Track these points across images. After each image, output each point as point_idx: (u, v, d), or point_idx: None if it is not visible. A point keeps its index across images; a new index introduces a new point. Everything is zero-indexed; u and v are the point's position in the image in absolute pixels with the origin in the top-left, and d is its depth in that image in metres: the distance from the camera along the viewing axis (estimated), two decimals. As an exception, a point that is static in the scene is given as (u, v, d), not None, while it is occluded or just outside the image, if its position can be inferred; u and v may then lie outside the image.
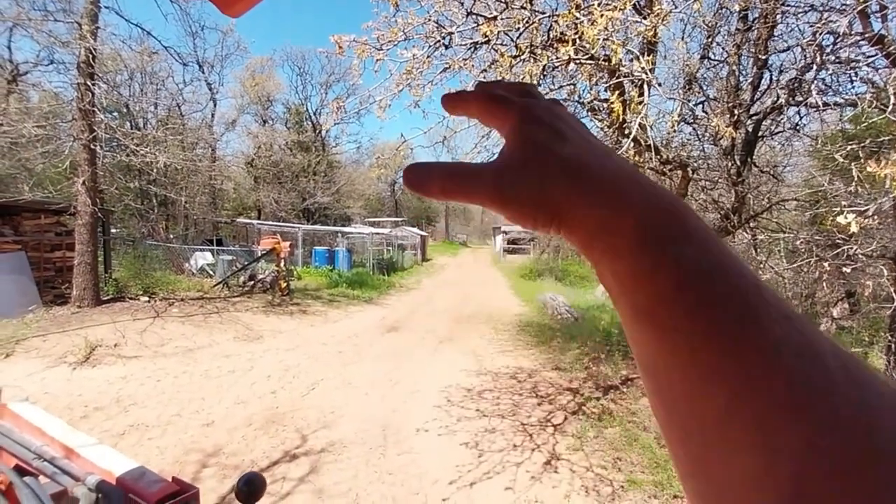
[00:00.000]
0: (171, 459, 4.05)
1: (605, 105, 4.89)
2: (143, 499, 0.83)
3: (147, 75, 18.06)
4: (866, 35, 3.81)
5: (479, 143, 5.11)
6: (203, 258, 14.66)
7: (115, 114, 17.26)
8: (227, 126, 30.23)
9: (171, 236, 17.48)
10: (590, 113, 5.55)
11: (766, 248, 6.77)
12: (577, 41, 3.55)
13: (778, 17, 4.51)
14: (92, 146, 9.15)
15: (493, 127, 0.32)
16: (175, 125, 16.57)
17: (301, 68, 41.08)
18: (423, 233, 36.91)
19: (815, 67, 4.09)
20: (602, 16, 3.23)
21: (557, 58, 3.80)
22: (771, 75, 5.39)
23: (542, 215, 0.26)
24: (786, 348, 0.19)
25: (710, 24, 5.42)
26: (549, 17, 3.82)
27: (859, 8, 3.55)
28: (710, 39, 5.65)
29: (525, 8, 3.78)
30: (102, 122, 9.38)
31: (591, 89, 4.85)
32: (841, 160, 3.98)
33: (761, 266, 5.81)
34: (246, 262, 13.84)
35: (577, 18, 3.42)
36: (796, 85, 4.66)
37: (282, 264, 12.48)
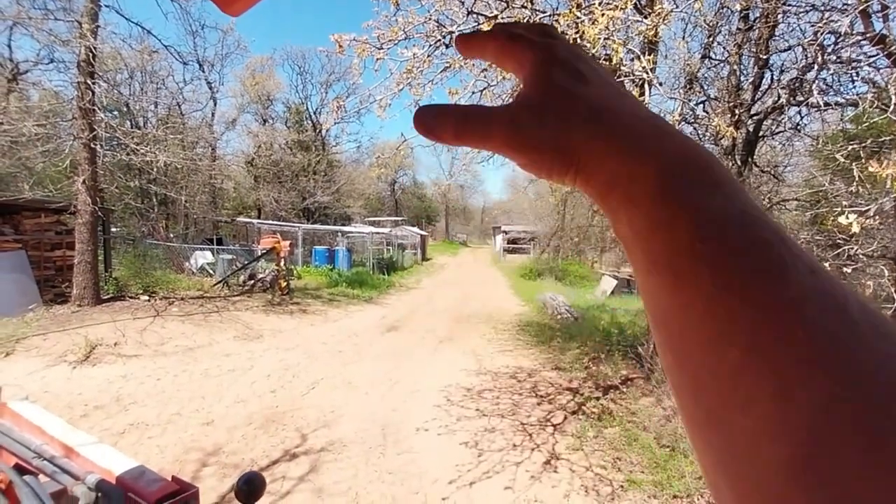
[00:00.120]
0: (170, 458, 4.05)
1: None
2: (142, 498, 0.83)
3: (147, 74, 18.05)
4: (867, 35, 3.81)
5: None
6: (203, 257, 14.66)
7: (116, 113, 17.26)
8: (227, 125, 30.23)
9: (172, 235, 17.47)
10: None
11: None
12: (578, 40, 3.55)
13: (779, 16, 4.51)
14: (92, 145, 9.15)
15: (510, 69, 0.30)
16: (175, 124, 16.57)
17: (301, 67, 41.04)
18: (423, 232, 36.93)
19: (816, 67, 4.09)
20: (603, 15, 3.22)
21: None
22: (772, 75, 5.39)
23: (560, 162, 0.25)
24: (810, 301, 0.19)
25: (711, 24, 5.41)
26: (550, 16, 3.82)
27: (860, 8, 3.54)
28: (711, 39, 5.65)
29: (526, 7, 3.78)
30: (103, 121, 9.37)
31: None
32: (842, 160, 3.97)
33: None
34: (246, 262, 13.84)
35: (578, 18, 3.41)
36: (797, 85, 4.66)
37: (282, 263, 12.48)
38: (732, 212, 0.21)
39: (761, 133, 5.87)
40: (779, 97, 4.88)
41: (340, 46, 3.71)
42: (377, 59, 3.76)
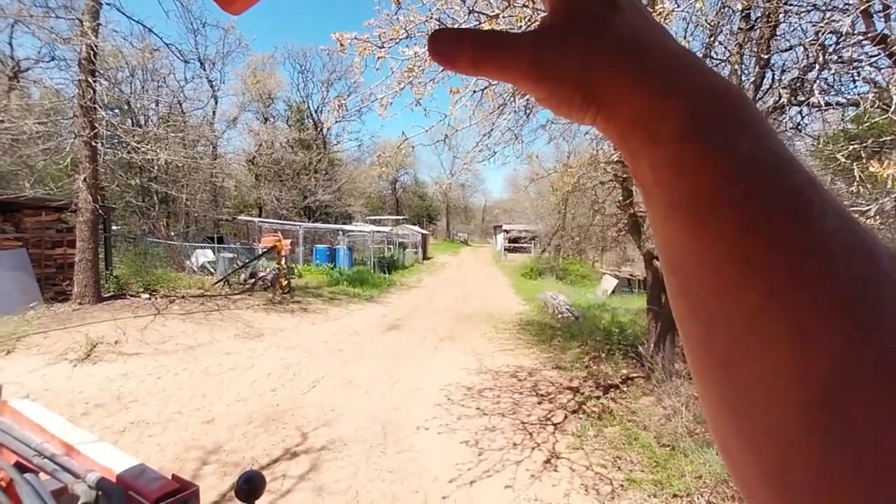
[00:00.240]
0: (171, 457, 4.05)
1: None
2: (143, 496, 0.83)
3: (148, 72, 18.01)
4: (869, 34, 3.80)
5: (480, 141, 5.10)
6: (204, 256, 14.67)
7: (117, 111, 17.26)
8: (228, 123, 30.20)
9: (172, 234, 17.49)
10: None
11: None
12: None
13: (780, 16, 4.50)
14: (93, 143, 9.15)
15: None
16: (176, 122, 16.55)
17: (302, 66, 41.03)
18: (424, 231, 36.92)
19: (817, 67, 4.08)
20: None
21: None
22: (773, 75, 5.38)
23: (582, 97, 0.24)
24: (837, 247, 0.19)
25: (712, 24, 5.40)
26: (551, 15, 3.81)
27: (862, 7, 3.53)
28: (712, 39, 5.63)
29: (527, 6, 3.77)
30: (103, 119, 9.37)
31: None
32: (843, 160, 3.96)
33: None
34: (247, 260, 13.85)
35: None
36: (798, 84, 4.65)
37: (283, 262, 12.50)
38: (763, 153, 0.21)
39: (762, 133, 5.84)
40: (780, 97, 4.87)
41: (342, 45, 3.70)
42: (378, 58, 3.76)
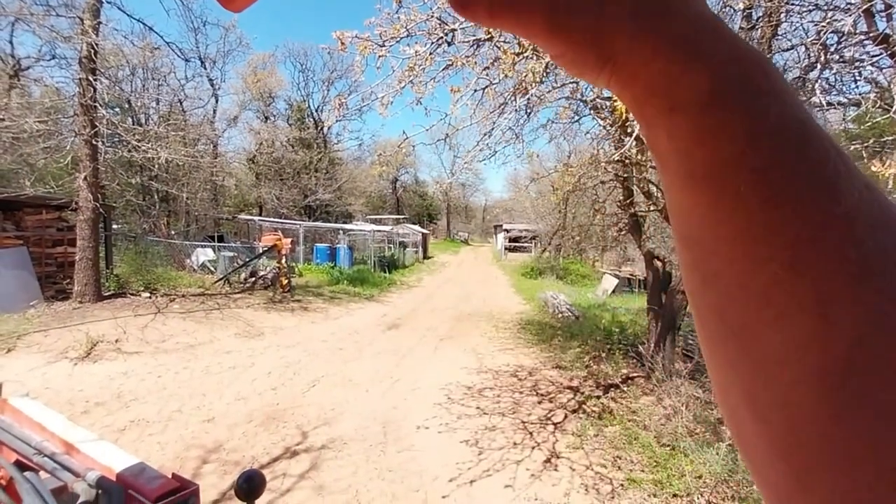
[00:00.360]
0: (171, 455, 4.06)
1: (608, 103, 4.87)
2: (143, 495, 0.83)
3: (149, 71, 18.02)
4: (871, 34, 3.79)
5: (481, 140, 5.09)
6: (204, 254, 14.68)
7: (117, 109, 17.25)
8: (228, 122, 30.17)
9: (173, 232, 17.50)
10: (592, 111, 5.54)
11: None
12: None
13: (782, 15, 4.49)
14: (94, 142, 9.15)
15: None
16: (177, 121, 16.56)
17: (303, 65, 41.15)
18: (425, 230, 36.91)
19: (818, 67, 4.07)
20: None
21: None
22: (774, 74, 5.37)
23: (595, 56, 0.23)
24: (863, 217, 0.18)
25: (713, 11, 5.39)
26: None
27: (864, 7, 3.52)
28: (713, 38, 5.62)
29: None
30: (104, 118, 9.37)
31: (593, 87, 4.83)
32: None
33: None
34: (247, 259, 13.85)
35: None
36: (800, 84, 4.64)
37: (283, 261, 12.49)
38: (789, 122, 0.20)
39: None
40: (781, 96, 4.86)
41: (343, 44, 3.70)
42: (379, 57, 3.75)
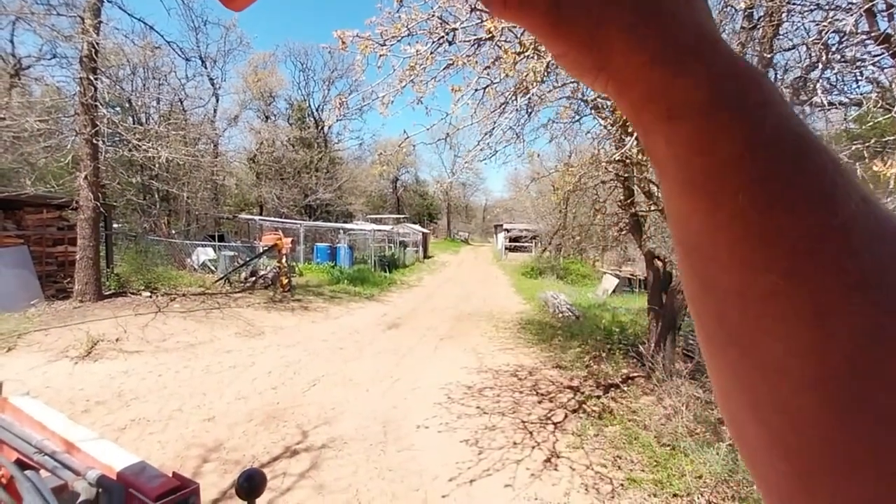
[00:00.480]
0: (171, 454, 4.06)
1: (609, 103, 4.87)
2: (143, 494, 0.83)
3: (149, 70, 18.03)
4: (872, 34, 3.79)
5: (481, 139, 5.09)
6: (205, 254, 14.68)
7: (118, 109, 17.25)
8: (229, 122, 30.20)
9: (173, 232, 17.49)
10: (593, 111, 5.53)
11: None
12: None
13: (783, 15, 4.48)
14: (94, 141, 9.15)
15: None
16: (177, 120, 16.54)
17: (304, 64, 41.13)
18: (425, 230, 36.91)
19: (820, 66, 4.06)
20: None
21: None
22: (776, 74, 5.36)
23: (592, 60, 0.23)
24: (860, 229, 0.18)
25: (715, 22, 5.39)
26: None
27: (866, 7, 3.52)
28: (714, 37, 5.62)
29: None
30: (105, 117, 9.37)
31: (594, 87, 4.82)
32: (845, 160, 3.96)
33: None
34: (248, 258, 13.85)
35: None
36: (801, 84, 4.64)
37: (283, 260, 12.49)
38: (785, 132, 0.20)
39: (765, 132, 5.84)
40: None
41: (343, 43, 3.69)
42: (380, 56, 3.75)
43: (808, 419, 0.18)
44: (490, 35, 3.78)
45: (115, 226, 12.81)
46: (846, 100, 4.72)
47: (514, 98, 4.77)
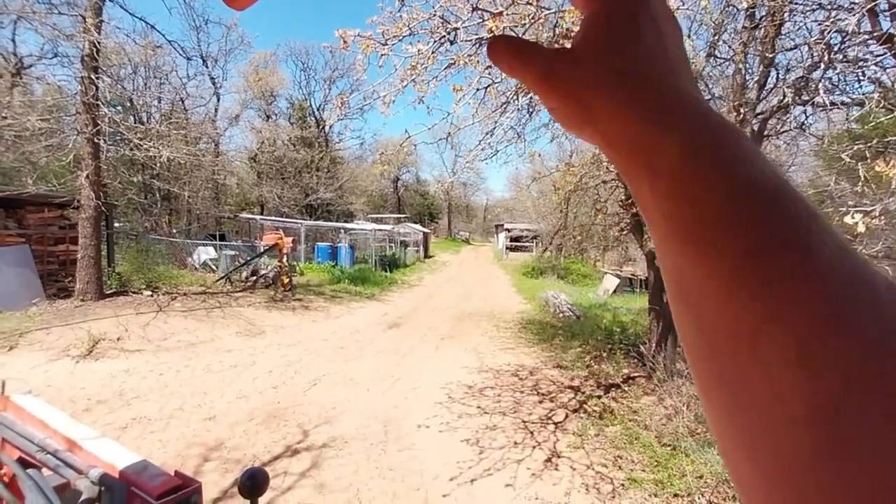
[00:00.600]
0: (173, 453, 4.06)
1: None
2: (145, 492, 0.83)
3: (151, 69, 18.05)
4: (875, 34, 3.78)
5: (482, 139, 5.09)
6: (206, 253, 14.69)
7: (119, 108, 17.26)
8: (230, 121, 30.25)
9: (174, 231, 17.50)
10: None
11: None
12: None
13: (785, 15, 4.48)
14: (95, 140, 9.16)
15: (580, 6, 0.29)
16: (178, 120, 16.58)
17: (305, 63, 41.12)
18: (426, 229, 36.91)
19: (822, 66, 4.06)
20: (608, 12, 3.20)
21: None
22: (777, 74, 5.35)
23: (581, 117, 0.26)
24: (836, 275, 0.19)
25: (716, 22, 5.38)
26: (554, 13, 3.80)
27: (868, 6, 3.51)
28: (716, 37, 5.61)
29: (531, 4, 3.76)
30: (106, 116, 9.38)
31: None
32: (847, 160, 3.95)
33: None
34: (248, 258, 13.86)
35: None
36: (803, 84, 4.63)
37: (284, 260, 12.50)
38: (760, 183, 0.21)
39: (766, 132, 5.83)
40: (784, 96, 4.85)
41: (345, 42, 3.69)
42: (381, 56, 3.75)
43: (801, 464, 0.18)
44: (492, 35, 3.78)
45: (116, 225, 12.83)
46: (848, 100, 4.71)
47: (515, 97, 4.77)
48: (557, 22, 3.84)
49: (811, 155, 7.62)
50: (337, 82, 38.88)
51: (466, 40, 3.93)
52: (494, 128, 4.95)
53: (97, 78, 9.14)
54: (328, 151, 35.33)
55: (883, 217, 3.45)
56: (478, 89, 4.38)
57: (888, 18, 3.82)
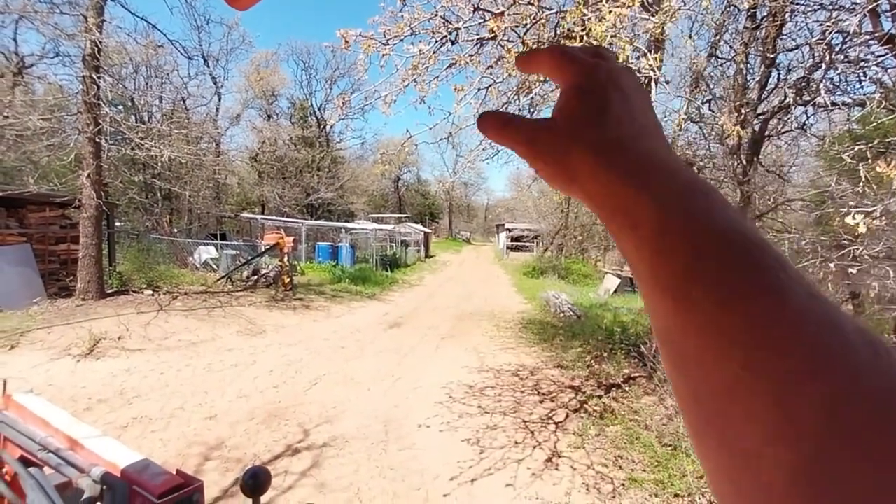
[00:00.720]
0: (174, 452, 4.07)
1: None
2: (147, 491, 0.83)
3: (152, 69, 18.07)
4: (876, 34, 3.78)
5: (483, 139, 5.09)
6: (207, 252, 14.70)
7: (120, 107, 17.28)
8: (231, 120, 30.26)
9: (176, 230, 17.52)
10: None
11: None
12: (585, 38, 3.53)
13: (787, 15, 4.48)
14: (97, 139, 9.17)
15: (558, 82, 0.33)
16: (180, 119, 16.58)
17: (306, 63, 41.10)
18: (427, 229, 36.91)
19: (823, 66, 4.05)
20: (610, 12, 3.20)
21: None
22: (779, 74, 5.35)
23: (563, 181, 0.29)
24: (807, 322, 0.20)
25: (718, 22, 5.37)
26: (556, 13, 3.80)
27: (869, 7, 3.51)
28: (718, 37, 5.61)
29: (532, 4, 3.75)
30: (107, 116, 9.39)
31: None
32: (848, 160, 3.94)
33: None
34: (249, 257, 13.87)
35: (585, 15, 3.39)
36: (804, 84, 4.63)
37: (285, 259, 12.50)
38: (732, 235, 0.23)
39: (767, 132, 5.83)
40: (785, 96, 4.85)
41: (346, 42, 3.69)
42: (383, 56, 3.75)
43: (783, 501, 0.18)
44: (493, 35, 3.78)
45: (117, 224, 12.84)
46: (849, 100, 4.71)
47: (516, 97, 4.77)
48: (559, 22, 3.83)
49: (812, 155, 7.61)
50: (338, 82, 38.93)
51: (468, 40, 3.93)
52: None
53: (98, 77, 9.15)
54: (329, 151, 35.34)
55: (884, 217, 3.45)
56: (479, 89, 4.38)
57: (889, 19, 3.82)
